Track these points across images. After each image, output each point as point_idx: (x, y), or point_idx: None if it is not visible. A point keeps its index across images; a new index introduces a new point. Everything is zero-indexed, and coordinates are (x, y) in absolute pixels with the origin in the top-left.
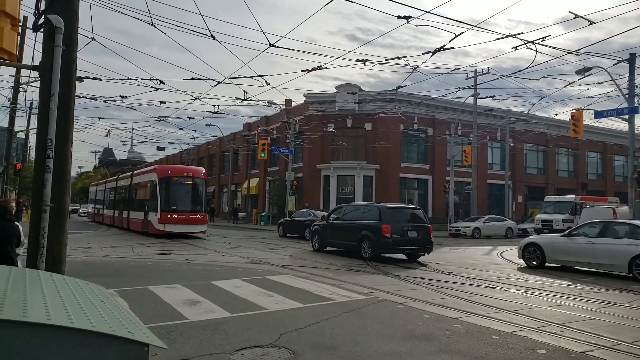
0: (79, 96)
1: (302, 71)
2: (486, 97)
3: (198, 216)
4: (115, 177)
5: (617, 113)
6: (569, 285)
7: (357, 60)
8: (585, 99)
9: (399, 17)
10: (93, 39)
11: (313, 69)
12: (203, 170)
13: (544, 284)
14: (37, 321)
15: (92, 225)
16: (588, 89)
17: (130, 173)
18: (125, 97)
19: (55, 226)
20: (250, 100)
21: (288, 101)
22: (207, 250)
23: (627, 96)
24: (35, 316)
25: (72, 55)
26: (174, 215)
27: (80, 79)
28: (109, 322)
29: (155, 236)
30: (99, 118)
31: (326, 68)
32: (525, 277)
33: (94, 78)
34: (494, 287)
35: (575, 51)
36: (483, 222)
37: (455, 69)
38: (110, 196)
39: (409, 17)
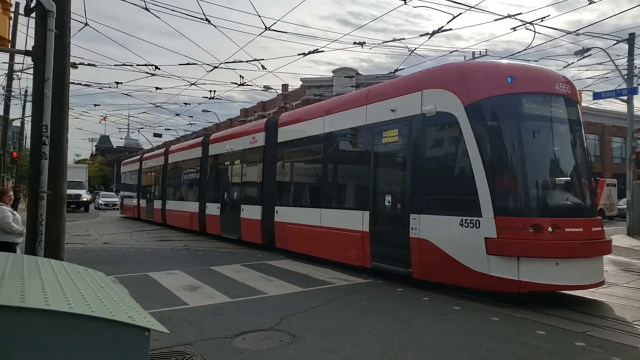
0: (73, 83)
1: (298, 55)
2: None
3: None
4: (224, 136)
5: (616, 94)
6: None
7: (355, 43)
8: (580, 81)
9: None
10: (86, 24)
11: (310, 52)
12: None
13: None
14: (34, 307)
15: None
16: (587, 70)
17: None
18: (121, 83)
19: (53, 213)
20: (247, 85)
21: (285, 86)
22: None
23: (626, 77)
24: (33, 302)
25: (65, 39)
26: (552, 228)
27: (75, 65)
28: (108, 308)
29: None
30: (95, 105)
31: (323, 51)
32: None
33: (89, 64)
34: None
35: (575, 31)
36: None
37: (453, 51)
38: (192, 177)
39: None
